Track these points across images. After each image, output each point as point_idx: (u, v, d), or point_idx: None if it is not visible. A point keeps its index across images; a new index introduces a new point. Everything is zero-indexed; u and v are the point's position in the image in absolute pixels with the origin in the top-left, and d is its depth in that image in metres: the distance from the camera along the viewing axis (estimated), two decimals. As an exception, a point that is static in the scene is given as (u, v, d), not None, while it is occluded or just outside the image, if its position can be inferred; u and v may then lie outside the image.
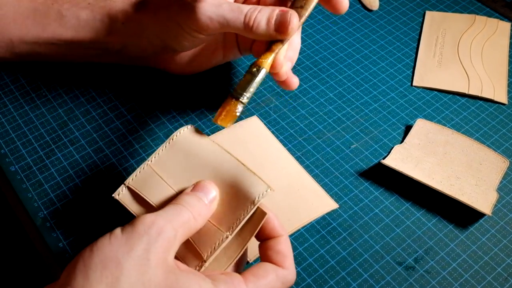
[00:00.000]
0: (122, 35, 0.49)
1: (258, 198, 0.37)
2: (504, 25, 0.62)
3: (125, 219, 0.45)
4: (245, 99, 0.43)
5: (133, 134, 0.51)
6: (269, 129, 0.52)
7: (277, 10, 0.44)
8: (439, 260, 0.44)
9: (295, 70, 0.57)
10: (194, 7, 0.43)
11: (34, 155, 0.49)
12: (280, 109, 0.54)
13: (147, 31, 0.48)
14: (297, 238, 0.45)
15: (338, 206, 0.47)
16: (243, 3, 0.48)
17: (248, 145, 0.50)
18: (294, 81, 0.47)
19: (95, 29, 0.49)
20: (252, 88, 0.44)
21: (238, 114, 0.43)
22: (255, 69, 0.44)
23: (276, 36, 0.44)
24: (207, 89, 0.55)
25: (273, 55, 0.44)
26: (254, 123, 0.52)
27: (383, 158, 0.49)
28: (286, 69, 0.45)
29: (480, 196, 0.47)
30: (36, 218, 0.46)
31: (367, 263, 0.44)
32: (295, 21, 0.43)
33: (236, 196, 0.38)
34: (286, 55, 0.46)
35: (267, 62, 0.44)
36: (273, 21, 0.43)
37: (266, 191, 0.38)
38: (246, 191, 0.38)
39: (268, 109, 0.54)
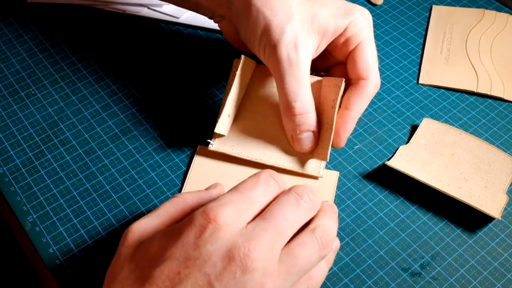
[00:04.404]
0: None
1: None
2: (514, 20, 0.61)
3: (120, 221, 0.44)
4: None
5: (126, 135, 0.50)
6: (269, 128, 0.51)
7: None
8: (447, 266, 0.43)
9: (296, 67, 0.56)
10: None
11: (23, 157, 0.48)
12: (280, 107, 0.53)
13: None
14: (297, 243, 0.44)
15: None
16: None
17: None
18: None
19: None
20: None
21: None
22: None
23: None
24: (203, 89, 0.54)
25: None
26: None
27: (388, 159, 0.48)
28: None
29: (489, 199, 0.46)
30: (25, 222, 0.45)
31: (371, 269, 0.43)
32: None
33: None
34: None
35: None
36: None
37: None
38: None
39: (267, 107, 0.53)
